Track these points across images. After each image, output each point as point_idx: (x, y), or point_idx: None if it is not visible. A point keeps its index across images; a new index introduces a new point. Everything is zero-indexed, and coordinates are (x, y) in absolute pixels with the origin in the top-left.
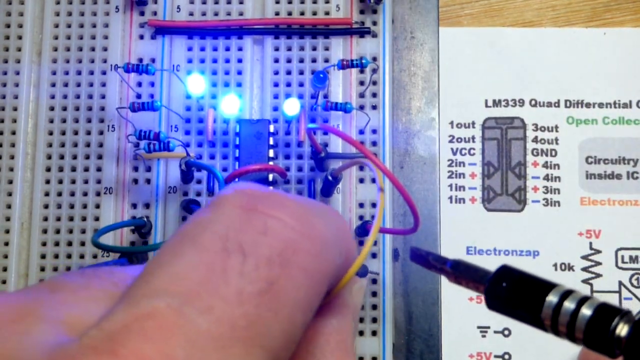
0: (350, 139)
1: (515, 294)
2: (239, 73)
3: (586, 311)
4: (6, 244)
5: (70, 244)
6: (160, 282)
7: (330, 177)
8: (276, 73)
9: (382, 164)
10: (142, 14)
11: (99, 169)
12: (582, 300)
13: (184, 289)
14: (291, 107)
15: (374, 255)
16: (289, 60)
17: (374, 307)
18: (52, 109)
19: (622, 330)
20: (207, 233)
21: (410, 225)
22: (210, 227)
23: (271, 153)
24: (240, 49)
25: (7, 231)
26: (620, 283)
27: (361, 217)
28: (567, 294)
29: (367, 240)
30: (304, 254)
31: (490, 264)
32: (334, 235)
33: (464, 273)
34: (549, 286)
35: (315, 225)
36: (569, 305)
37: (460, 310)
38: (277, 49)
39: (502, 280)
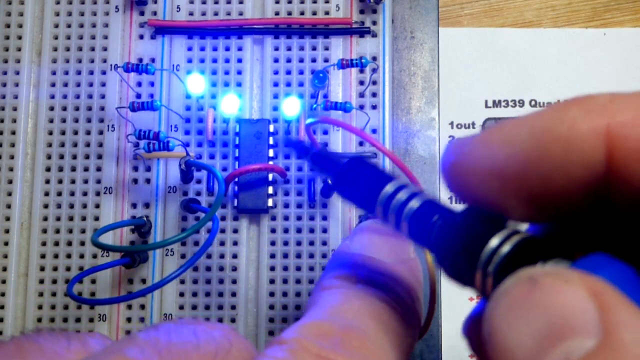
0: (349, 126)
1: (358, 182)
2: (239, 73)
3: (414, 204)
4: (6, 243)
5: (70, 243)
6: None
7: (330, 181)
8: (276, 73)
9: (385, 148)
10: (142, 13)
11: (98, 169)
12: (414, 195)
13: None
14: (291, 107)
15: None
16: (288, 60)
17: None
18: (52, 109)
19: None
20: None
21: None
22: None
23: (271, 153)
24: (240, 49)
25: (7, 231)
26: None
27: (361, 217)
28: (403, 187)
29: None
30: None
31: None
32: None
33: (321, 161)
34: (388, 178)
35: None
36: (400, 197)
37: (460, 310)
38: (277, 49)
39: (353, 168)
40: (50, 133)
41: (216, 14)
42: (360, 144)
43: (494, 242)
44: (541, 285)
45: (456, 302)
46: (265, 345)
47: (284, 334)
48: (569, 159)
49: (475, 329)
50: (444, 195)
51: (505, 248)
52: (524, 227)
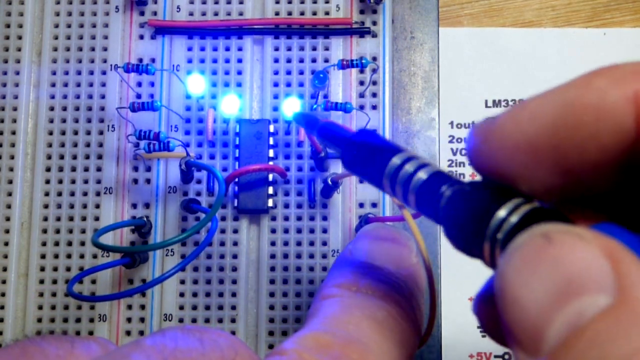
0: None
1: (366, 155)
2: (239, 73)
3: (422, 175)
4: (6, 243)
5: (70, 243)
6: None
7: (330, 182)
8: (276, 73)
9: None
10: (142, 14)
11: (98, 169)
12: (421, 166)
13: None
14: (291, 107)
15: None
16: (288, 60)
17: None
18: (52, 109)
19: (447, 191)
20: None
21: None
22: None
23: (271, 153)
24: (240, 49)
25: (7, 231)
26: None
27: (361, 217)
28: (411, 158)
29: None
30: None
31: None
32: None
33: (330, 133)
34: (396, 150)
35: None
36: (408, 168)
37: (460, 310)
38: (277, 49)
39: (361, 140)
40: (50, 133)
41: (216, 14)
42: None
43: (502, 211)
44: (555, 241)
45: (456, 302)
46: (266, 355)
47: (285, 344)
48: (599, 127)
49: (485, 306)
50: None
51: (515, 217)
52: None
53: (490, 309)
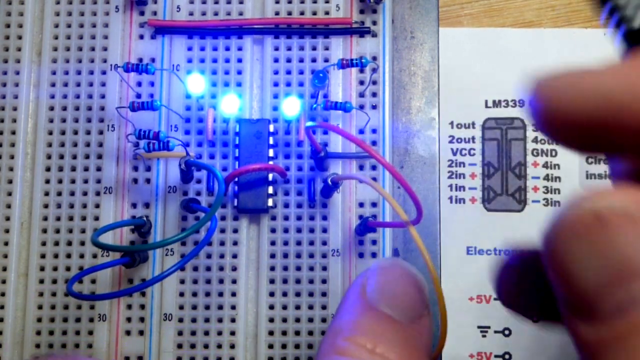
0: (350, 135)
1: None
2: (239, 73)
3: None
4: (6, 243)
5: (70, 243)
6: None
7: (330, 182)
8: (276, 73)
9: (384, 159)
10: (142, 13)
11: (98, 169)
12: None
13: None
14: (291, 107)
15: (373, 255)
16: (288, 60)
17: None
18: (52, 108)
19: None
20: None
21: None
22: None
23: (271, 153)
24: (240, 49)
25: (7, 231)
26: None
27: (361, 217)
28: None
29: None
30: None
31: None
32: None
33: None
34: None
35: None
36: None
37: (460, 310)
38: (277, 49)
39: None
40: (50, 133)
41: (216, 14)
42: None
43: None
44: (607, 223)
45: (456, 302)
46: None
47: None
48: None
49: (507, 278)
50: (444, 196)
51: None
52: None
53: (511, 281)
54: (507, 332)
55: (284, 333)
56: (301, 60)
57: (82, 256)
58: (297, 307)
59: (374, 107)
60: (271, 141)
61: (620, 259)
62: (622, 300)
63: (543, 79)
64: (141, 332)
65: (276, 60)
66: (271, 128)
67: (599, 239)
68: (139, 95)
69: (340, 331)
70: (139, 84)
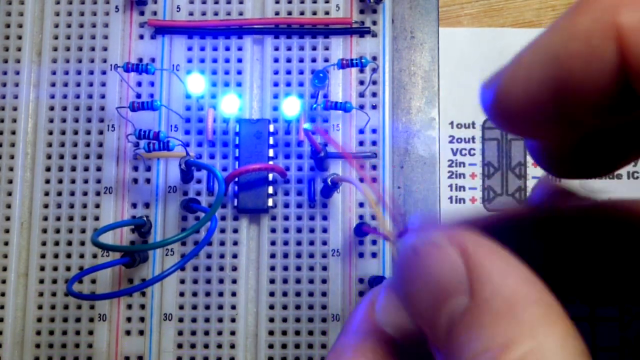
0: (337, 144)
1: None
2: (239, 73)
3: None
4: (6, 243)
5: (70, 243)
6: None
7: (330, 182)
8: (276, 73)
9: (361, 170)
10: (142, 13)
11: (98, 169)
12: None
13: None
14: (291, 107)
15: (373, 255)
16: (288, 60)
17: None
18: (52, 108)
19: None
20: None
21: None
22: None
23: (271, 153)
24: (240, 49)
25: (7, 231)
26: None
27: (361, 217)
28: None
29: None
30: None
31: None
32: None
33: None
34: None
35: None
36: None
37: None
38: (277, 49)
39: None
40: (50, 133)
41: (216, 14)
42: (360, 143)
43: None
44: (419, 253)
45: None
46: None
47: None
48: (590, 71)
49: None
50: (444, 196)
51: None
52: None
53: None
54: None
55: (284, 333)
56: (301, 60)
57: (82, 256)
58: (297, 307)
59: (374, 107)
60: (271, 141)
61: (435, 282)
62: (449, 317)
63: (492, 74)
64: (141, 332)
65: (276, 60)
66: (271, 128)
67: (417, 267)
68: (139, 95)
69: (343, 354)
70: (139, 84)
